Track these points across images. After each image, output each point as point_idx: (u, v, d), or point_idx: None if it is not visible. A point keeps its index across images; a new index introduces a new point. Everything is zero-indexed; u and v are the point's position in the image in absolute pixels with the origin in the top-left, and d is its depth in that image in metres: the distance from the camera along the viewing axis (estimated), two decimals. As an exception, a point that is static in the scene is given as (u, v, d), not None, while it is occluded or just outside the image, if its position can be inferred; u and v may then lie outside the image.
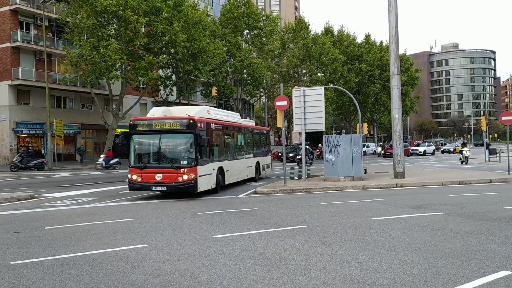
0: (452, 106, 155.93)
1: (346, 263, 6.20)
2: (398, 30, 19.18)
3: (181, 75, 38.29)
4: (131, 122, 14.32)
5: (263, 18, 45.75)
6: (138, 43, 32.49)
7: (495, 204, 11.64)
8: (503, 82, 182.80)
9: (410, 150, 50.54)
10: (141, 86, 38.11)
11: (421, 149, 52.02)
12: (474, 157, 43.15)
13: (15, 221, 10.65)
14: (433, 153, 53.35)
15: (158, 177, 13.73)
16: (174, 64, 36.78)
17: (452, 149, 58.54)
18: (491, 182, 17.79)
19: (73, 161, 39.37)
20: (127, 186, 14.53)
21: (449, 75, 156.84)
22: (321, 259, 6.43)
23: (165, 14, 33.30)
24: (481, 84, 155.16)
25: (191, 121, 13.71)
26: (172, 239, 8.09)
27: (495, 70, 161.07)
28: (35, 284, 5.64)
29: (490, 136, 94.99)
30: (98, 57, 30.20)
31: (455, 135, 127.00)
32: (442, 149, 61.31)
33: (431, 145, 56.52)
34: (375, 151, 58.77)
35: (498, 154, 33.75)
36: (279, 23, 49.06)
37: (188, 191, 14.00)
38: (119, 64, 32.47)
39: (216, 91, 40.31)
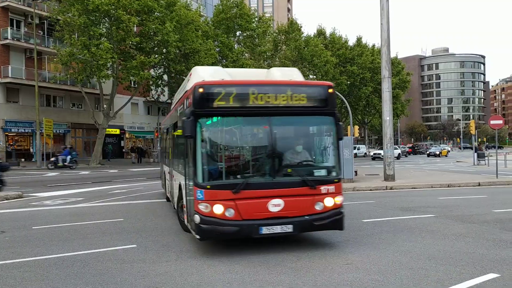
0: (442, 110, 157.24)
1: (335, 265, 6.21)
2: (390, 34, 19.29)
3: (173, 75, 38.18)
4: (200, 89, 6.67)
5: (256, 19, 45.79)
6: (130, 43, 32.33)
7: (483, 207, 11.74)
8: (492, 86, 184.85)
9: (373, 154, 51.20)
10: (132, 85, 37.91)
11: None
12: (463, 160, 43.60)
13: (2, 220, 10.51)
14: (398, 157, 53.71)
15: (275, 205, 6.75)
16: (166, 64, 36.64)
17: (438, 152, 59.51)
18: (479, 185, 17.96)
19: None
20: (196, 231, 6.87)
21: (440, 78, 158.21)
22: (311, 261, 6.44)
23: (158, 13, 33.19)
24: (470, 88, 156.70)
25: (330, 89, 7.26)
26: (162, 240, 8.04)
27: (484, 75, 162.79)
28: (22, 284, 5.57)
29: (479, 139, 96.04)
30: (89, 56, 29.99)
31: (445, 138, 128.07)
32: (428, 152, 62.16)
33: (396, 149, 57.27)
34: (365, 153, 59.18)
35: (486, 158, 34.10)
36: (271, 25, 49.13)
37: (329, 229, 7.45)
38: (110, 63, 32.30)
39: (208, 92, 40.28)
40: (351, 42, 63.27)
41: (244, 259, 6.59)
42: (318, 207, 7.00)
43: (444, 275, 5.65)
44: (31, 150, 37.46)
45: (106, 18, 32.12)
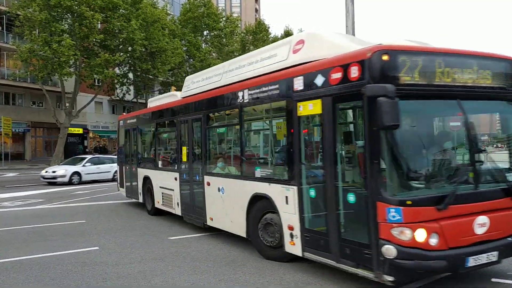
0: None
1: (302, 264, 6.25)
2: (355, 36, 19.67)
3: (138, 74, 37.54)
4: (385, 57, 4.62)
5: (223, 19, 45.68)
6: (94, 40, 31.51)
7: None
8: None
9: None
10: (96, 84, 37.01)
11: None
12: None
13: (-44, 223, 10.03)
14: None
15: (480, 225, 4.87)
16: (132, 63, 35.98)
17: None
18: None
19: (21, 160, 37.63)
20: (387, 271, 4.54)
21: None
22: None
23: (123, 11, 32.53)
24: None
25: None
26: (125, 242, 7.89)
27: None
28: (-25, 290, 5.34)
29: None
30: (50, 53, 29.02)
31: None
32: None
33: None
34: None
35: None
36: (239, 25, 49.15)
37: None
38: (73, 61, 31.37)
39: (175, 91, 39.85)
40: (318, 43, 64.12)
41: (210, 260, 6.55)
42: None
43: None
44: (-12, 149, 35.88)
45: (68, 14, 31.18)
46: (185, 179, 8.90)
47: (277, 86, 6.14)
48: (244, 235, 6.93)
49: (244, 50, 50.07)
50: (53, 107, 34.80)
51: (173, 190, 9.47)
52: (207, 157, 8.16)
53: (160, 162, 10.55)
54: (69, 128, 35.68)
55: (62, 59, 29.01)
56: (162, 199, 10.13)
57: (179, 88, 38.92)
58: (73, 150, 40.56)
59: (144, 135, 12.14)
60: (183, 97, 9.57)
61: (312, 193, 5.51)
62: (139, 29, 31.74)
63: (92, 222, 9.94)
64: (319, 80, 5.32)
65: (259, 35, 49.71)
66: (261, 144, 6.96)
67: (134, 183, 12.14)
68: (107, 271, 6.04)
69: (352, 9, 19.93)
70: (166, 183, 9.85)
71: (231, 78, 7.71)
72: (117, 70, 36.89)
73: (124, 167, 13.27)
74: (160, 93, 43.81)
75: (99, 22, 31.65)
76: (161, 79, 40.29)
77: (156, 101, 11.60)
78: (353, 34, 20.39)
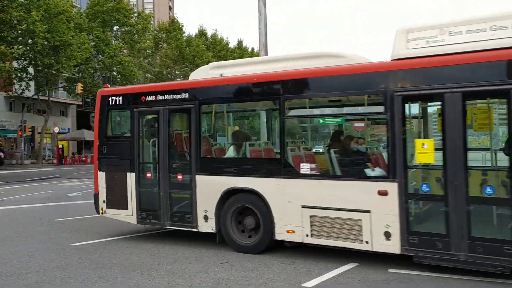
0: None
1: (212, 264, 6.25)
2: (267, 38, 20.13)
3: (40, 68, 34.88)
4: None
5: (135, 14, 44.15)
6: (-12, 30, 28.77)
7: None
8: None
9: None
10: (-10, 78, 33.79)
11: None
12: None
13: None
14: None
15: None
16: (32, 56, 33.34)
17: None
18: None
19: None
20: None
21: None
22: (187, 262, 6.40)
23: (22, 0, 30.10)
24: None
25: None
26: (23, 250, 7.28)
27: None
28: None
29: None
30: None
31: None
32: None
33: None
34: None
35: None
36: (152, 22, 47.83)
37: None
38: (-37, 53, 28.34)
39: (81, 88, 37.64)
40: (232, 44, 64.62)
41: (117, 265, 6.28)
42: None
43: (311, 267, 6.03)
44: None
45: (-43, 1, 28.12)
46: (427, 194, 5.74)
47: None
48: None
49: (157, 48, 48.90)
50: None
51: (368, 212, 5.90)
52: None
53: (307, 166, 6.55)
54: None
55: (-51, 50, 26.09)
56: (312, 226, 6.38)
57: (86, 85, 36.51)
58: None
59: (228, 120, 8.42)
60: (408, 58, 5.82)
61: None
62: (41, 21, 29.55)
63: (-17, 231, 9.03)
64: None
65: (172, 34, 48.86)
66: None
67: (177, 201, 7.62)
68: (0, 283, 5.52)
69: (264, 12, 20.36)
70: (331, 201, 6.22)
71: None
72: (15, 64, 33.97)
73: (132, 175, 7.98)
74: (65, 90, 41.18)
75: (-6, 11, 28.96)
76: (66, 75, 37.80)
77: (245, 67, 7.43)
78: (266, 37, 20.85)
